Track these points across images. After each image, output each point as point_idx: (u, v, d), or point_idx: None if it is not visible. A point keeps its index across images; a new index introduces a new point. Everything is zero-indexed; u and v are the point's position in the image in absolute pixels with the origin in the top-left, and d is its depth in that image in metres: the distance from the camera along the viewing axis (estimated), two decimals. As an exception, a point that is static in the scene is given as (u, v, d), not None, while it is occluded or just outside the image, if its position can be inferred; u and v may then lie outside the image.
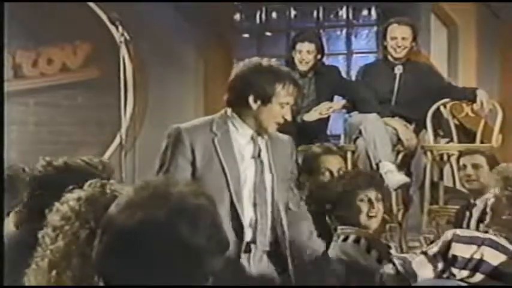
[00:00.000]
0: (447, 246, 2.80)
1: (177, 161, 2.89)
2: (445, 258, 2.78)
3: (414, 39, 5.03)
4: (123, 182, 4.80)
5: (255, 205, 2.94)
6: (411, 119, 5.08)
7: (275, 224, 2.98)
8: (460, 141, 5.11)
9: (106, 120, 6.03)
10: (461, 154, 4.44)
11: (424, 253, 2.85)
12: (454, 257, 2.78)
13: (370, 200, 3.50)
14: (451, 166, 4.93)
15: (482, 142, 5.02)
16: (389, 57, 5.08)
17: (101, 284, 1.40)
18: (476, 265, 2.77)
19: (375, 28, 6.08)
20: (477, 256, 2.77)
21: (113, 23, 5.41)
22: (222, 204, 2.82)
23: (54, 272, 1.60)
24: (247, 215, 2.94)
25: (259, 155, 2.95)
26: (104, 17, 6.05)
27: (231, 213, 2.88)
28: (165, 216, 1.36)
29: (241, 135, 2.96)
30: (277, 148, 3.01)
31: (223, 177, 2.88)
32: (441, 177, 4.97)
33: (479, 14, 5.91)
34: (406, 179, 4.65)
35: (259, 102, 2.89)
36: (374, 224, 3.52)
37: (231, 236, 2.77)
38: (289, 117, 2.96)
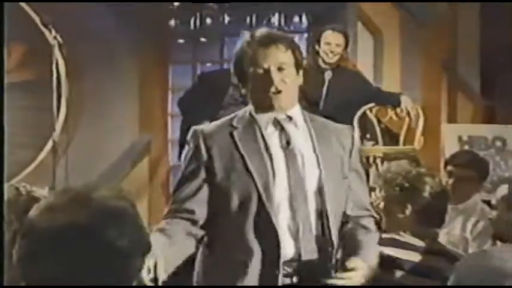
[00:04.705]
0: None
1: (191, 166, 2.45)
2: None
3: (346, 47, 5.22)
4: (55, 187, 4.77)
5: (292, 208, 2.38)
6: (339, 122, 5.23)
7: (320, 233, 2.40)
8: (385, 144, 5.32)
9: (41, 123, 5.95)
10: (384, 157, 4.63)
11: None
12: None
13: None
14: (377, 169, 5.12)
15: (405, 145, 5.25)
16: (321, 63, 5.23)
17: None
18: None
19: (305, 35, 6.25)
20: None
21: (46, 26, 5.35)
22: (249, 210, 2.36)
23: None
24: (283, 218, 2.38)
25: (288, 143, 2.42)
26: (37, 19, 5.98)
27: (262, 217, 2.35)
28: (86, 219, 1.37)
29: (262, 120, 2.44)
30: (324, 137, 2.49)
31: (248, 175, 2.37)
32: (367, 180, 5.14)
33: (401, 19, 6.11)
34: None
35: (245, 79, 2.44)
36: None
37: (257, 246, 2.34)
38: (277, 84, 2.41)
